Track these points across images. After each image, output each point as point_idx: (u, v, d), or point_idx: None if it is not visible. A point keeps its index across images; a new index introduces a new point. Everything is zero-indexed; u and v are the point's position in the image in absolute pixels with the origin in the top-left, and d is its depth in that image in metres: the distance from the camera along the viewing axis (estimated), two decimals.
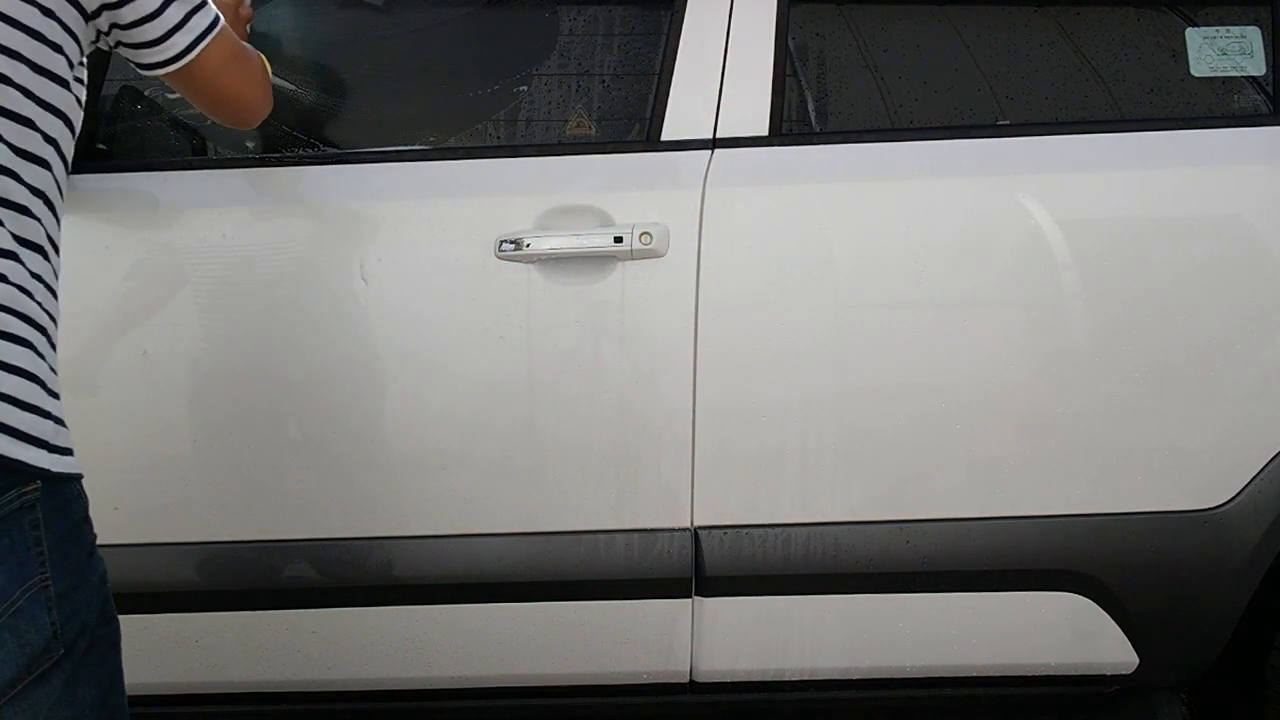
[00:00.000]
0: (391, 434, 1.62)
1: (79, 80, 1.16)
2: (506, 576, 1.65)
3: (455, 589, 1.66)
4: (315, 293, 1.61)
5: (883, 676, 1.74)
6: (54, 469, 1.01)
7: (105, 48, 1.24)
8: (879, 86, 1.71)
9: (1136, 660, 1.71)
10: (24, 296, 1.04)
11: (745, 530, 1.65)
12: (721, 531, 1.65)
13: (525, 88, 1.73)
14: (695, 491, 1.64)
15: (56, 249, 1.14)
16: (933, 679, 1.75)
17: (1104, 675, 1.74)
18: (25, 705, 0.96)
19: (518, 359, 1.60)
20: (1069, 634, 1.70)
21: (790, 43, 1.70)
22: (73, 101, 1.15)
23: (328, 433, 1.62)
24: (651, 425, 1.61)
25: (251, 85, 1.38)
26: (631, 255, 1.59)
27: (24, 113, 1.07)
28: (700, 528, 1.65)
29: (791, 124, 1.69)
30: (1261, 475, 1.64)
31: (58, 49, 1.11)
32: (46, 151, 1.10)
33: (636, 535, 1.65)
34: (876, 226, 1.61)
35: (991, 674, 1.74)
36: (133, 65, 1.27)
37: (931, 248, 1.60)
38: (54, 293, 1.12)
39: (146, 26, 1.20)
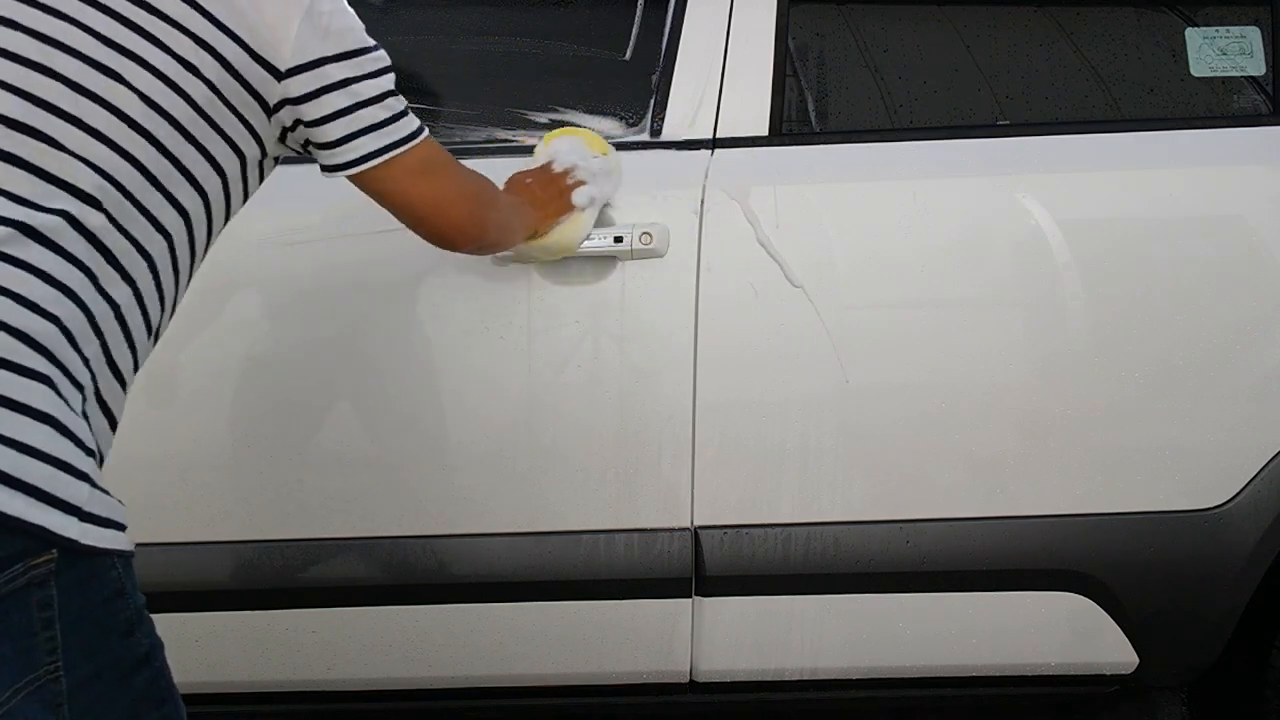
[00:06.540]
0: (391, 434, 1.62)
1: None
2: (506, 576, 1.65)
3: (455, 588, 1.66)
4: (313, 293, 1.61)
5: (883, 676, 1.73)
6: (83, 540, 0.82)
7: (294, 149, 1.15)
8: (879, 86, 1.71)
9: (1136, 660, 1.71)
10: (47, 324, 0.86)
11: (745, 530, 1.65)
12: (721, 531, 1.65)
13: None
14: (695, 491, 1.64)
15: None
16: (933, 679, 1.75)
17: (1104, 675, 1.74)
18: None
19: (518, 359, 1.60)
20: (1069, 634, 1.70)
21: (790, 43, 1.70)
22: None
23: (327, 433, 1.62)
24: (651, 425, 1.61)
25: (452, 204, 1.23)
26: (631, 255, 1.59)
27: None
28: (700, 527, 1.65)
29: (791, 124, 1.69)
30: (1261, 475, 1.63)
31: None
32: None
33: (636, 535, 1.65)
34: (876, 226, 1.61)
35: (991, 674, 1.74)
36: (320, 165, 1.16)
37: (931, 248, 1.60)
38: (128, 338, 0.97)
39: (329, 126, 1.10)
